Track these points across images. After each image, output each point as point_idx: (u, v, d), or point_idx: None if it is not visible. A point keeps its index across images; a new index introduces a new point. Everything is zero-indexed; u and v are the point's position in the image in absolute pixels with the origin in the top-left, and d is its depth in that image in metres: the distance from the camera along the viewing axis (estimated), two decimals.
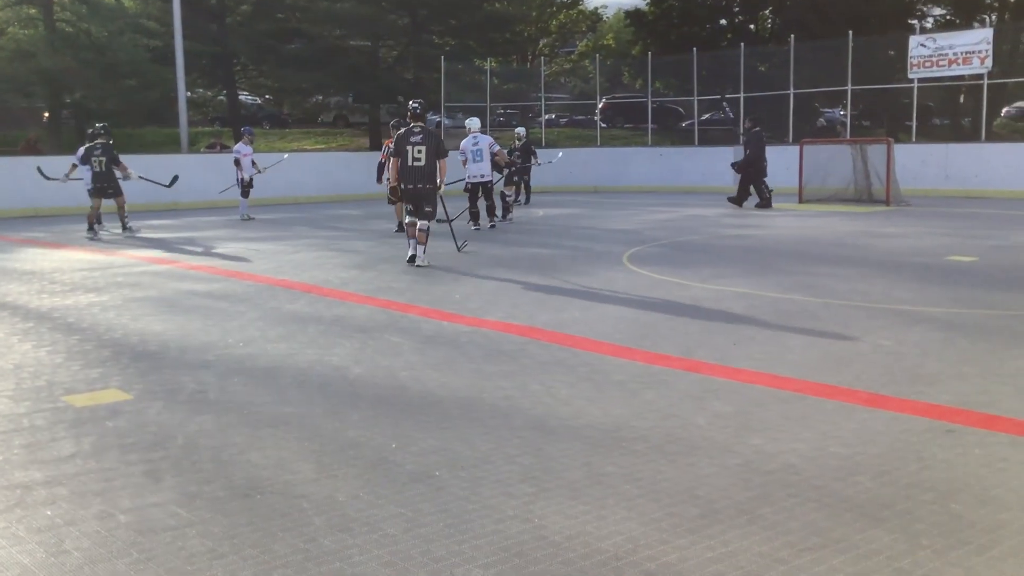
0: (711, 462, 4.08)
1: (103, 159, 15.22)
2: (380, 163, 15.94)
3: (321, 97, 36.09)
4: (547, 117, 32.13)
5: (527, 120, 35.31)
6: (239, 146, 18.59)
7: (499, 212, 16.30)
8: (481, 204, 15.86)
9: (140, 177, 16.18)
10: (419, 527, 3.43)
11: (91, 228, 14.90)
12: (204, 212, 20.18)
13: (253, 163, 18.42)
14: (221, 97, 36.18)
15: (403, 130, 11.17)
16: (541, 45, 42.70)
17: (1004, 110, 32.35)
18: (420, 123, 11.26)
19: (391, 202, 14.86)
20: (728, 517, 3.47)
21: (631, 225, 16.29)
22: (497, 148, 15.93)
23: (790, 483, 3.81)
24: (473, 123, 15.78)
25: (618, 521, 3.45)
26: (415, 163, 10.97)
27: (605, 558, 3.14)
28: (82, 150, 16.03)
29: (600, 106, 31.84)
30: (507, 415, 4.87)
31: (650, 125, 29.87)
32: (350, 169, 25.08)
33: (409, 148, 10.95)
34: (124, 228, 15.60)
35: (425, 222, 11.10)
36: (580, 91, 38.61)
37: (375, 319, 7.69)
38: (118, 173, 15.43)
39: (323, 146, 34.26)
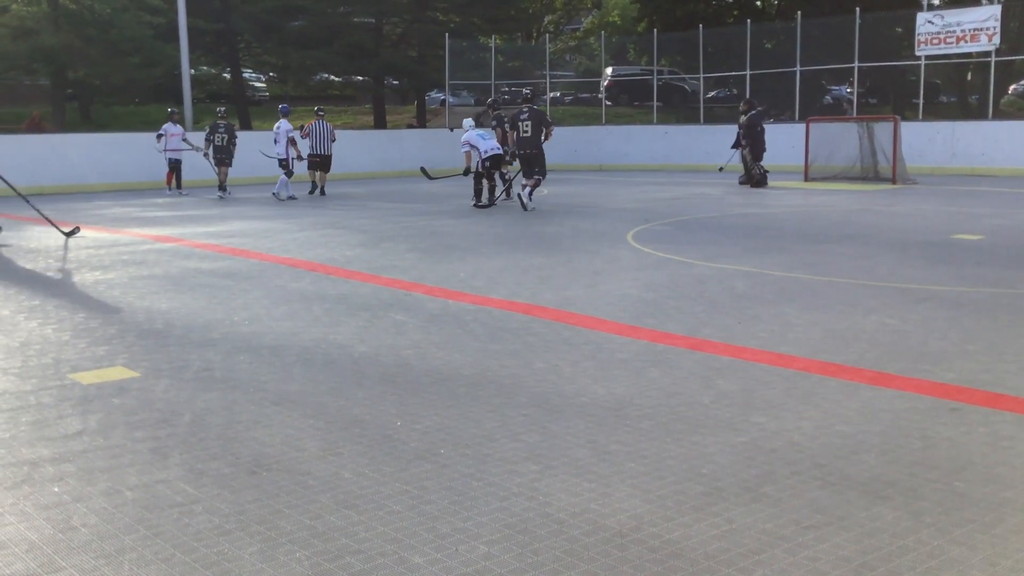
0: (716, 440, 4.09)
1: (225, 136, 19.21)
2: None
3: (325, 75, 35.97)
4: (552, 95, 31.99)
5: (533, 98, 35.23)
6: (284, 124, 18.62)
7: (498, 192, 16.35)
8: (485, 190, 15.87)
9: (262, 152, 19.93)
10: (424, 504, 3.44)
11: (223, 188, 19.26)
12: (210, 190, 20.16)
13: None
14: (225, 75, 36.09)
15: (515, 110, 14.98)
16: (546, 22, 42.47)
17: (1012, 87, 32.20)
18: (528, 104, 15.30)
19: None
20: (732, 495, 3.48)
21: (636, 203, 16.26)
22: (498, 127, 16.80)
23: (794, 461, 3.82)
24: (468, 123, 16.63)
25: (623, 499, 3.46)
26: (524, 134, 14.92)
27: (610, 535, 3.15)
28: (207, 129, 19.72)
29: (605, 84, 31.70)
30: (512, 393, 4.88)
31: (655, 103, 29.75)
32: (355, 147, 25.01)
33: (520, 123, 14.96)
34: (222, 189, 19.28)
35: (537, 177, 15.01)
36: (585, 68, 38.45)
37: (380, 297, 7.69)
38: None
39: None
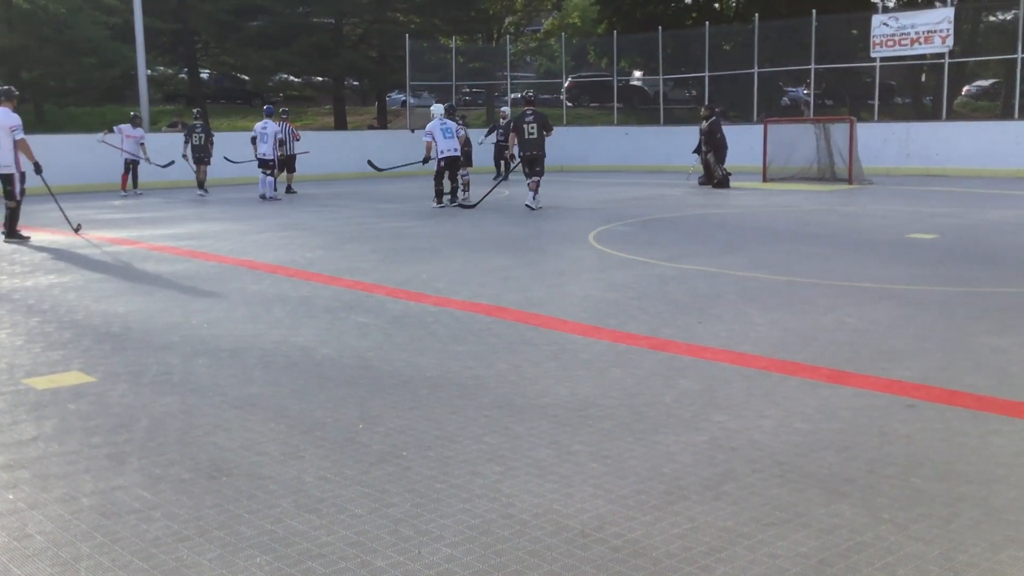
0: (677, 439, 4.12)
1: (202, 135, 19.61)
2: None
3: (285, 75, 35.69)
4: (513, 96, 32.01)
5: (493, 99, 35.21)
6: (271, 124, 18.45)
7: (460, 193, 16.37)
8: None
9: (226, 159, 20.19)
10: (386, 507, 3.43)
11: (202, 187, 19.62)
12: (166, 192, 19.93)
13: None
14: (182, 75, 35.69)
15: (520, 112, 15.15)
16: (507, 23, 42.46)
17: (965, 89, 32.74)
18: (531, 106, 15.50)
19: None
20: (694, 493, 3.50)
21: (597, 204, 16.32)
22: (463, 132, 16.77)
23: (754, 459, 3.85)
24: (437, 108, 16.38)
25: (585, 499, 3.47)
26: (530, 136, 15.18)
27: (572, 535, 3.16)
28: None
29: (566, 85, 31.77)
30: (474, 394, 4.87)
31: (616, 104, 29.88)
32: (315, 148, 24.83)
33: (525, 125, 15.19)
34: (202, 188, 19.62)
35: (536, 177, 15.18)
36: (546, 70, 38.52)
37: (342, 299, 7.65)
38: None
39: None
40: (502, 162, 22.98)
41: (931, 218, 12.93)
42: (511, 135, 15.84)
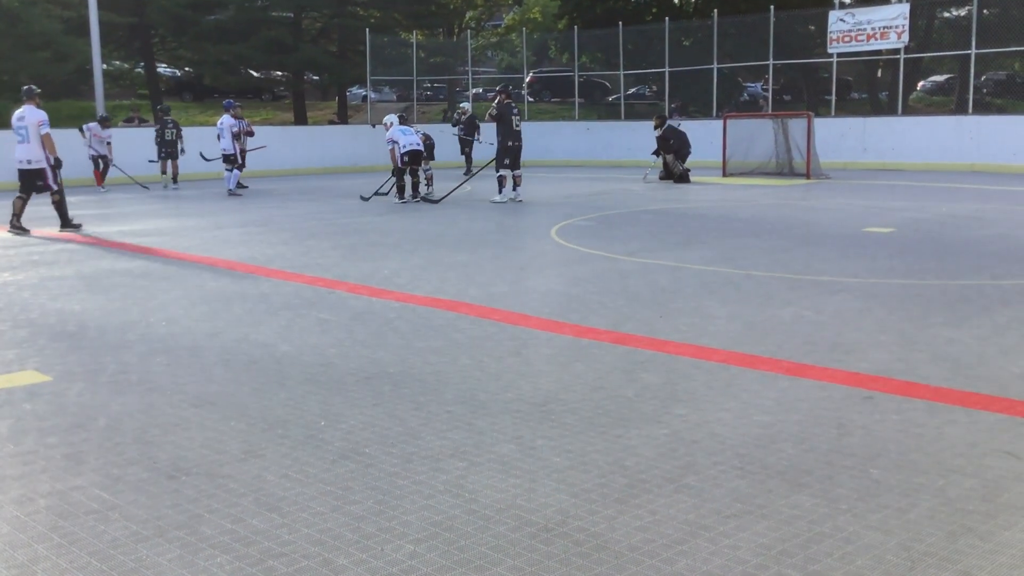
0: (639, 433, 4.14)
1: (173, 131, 20.38)
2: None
3: (244, 69, 35.33)
4: (474, 91, 31.96)
5: (454, 94, 35.14)
6: (227, 119, 18.36)
7: (421, 188, 16.36)
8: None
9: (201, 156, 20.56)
10: (349, 504, 3.41)
11: (175, 180, 20.53)
12: (123, 188, 19.67)
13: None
14: (139, 69, 35.21)
15: (505, 104, 15.45)
16: (467, 18, 42.39)
17: (920, 84, 33.20)
18: (510, 99, 15.80)
19: None
20: (655, 486, 3.53)
21: (559, 199, 16.36)
22: (421, 135, 16.98)
23: (715, 452, 3.88)
24: (391, 118, 16.54)
25: (548, 493, 3.48)
26: (517, 128, 15.60)
27: (535, 530, 3.16)
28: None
29: (527, 80, 31.79)
30: (437, 390, 4.87)
31: (577, 99, 29.95)
32: (275, 143, 24.64)
33: (513, 117, 15.54)
34: (175, 182, 20.50)
35: (519, 171, 15.77)
36: (507, 65, 38.51)
37: (302, 296, 7.60)
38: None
39: (245, 119, 33.61)
40: (464, 157, 23.05)
41: (887, 212, 13.11)
42: (489, 118, 15.85)
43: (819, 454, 3.84)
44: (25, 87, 12.62)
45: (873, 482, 3.53)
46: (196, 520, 3.29)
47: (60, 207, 12.60)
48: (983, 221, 11.80)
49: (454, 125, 23.52)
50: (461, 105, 23.75)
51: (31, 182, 12.40)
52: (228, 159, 18.27)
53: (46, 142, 12.24)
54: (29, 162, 12.28)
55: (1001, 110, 26.74)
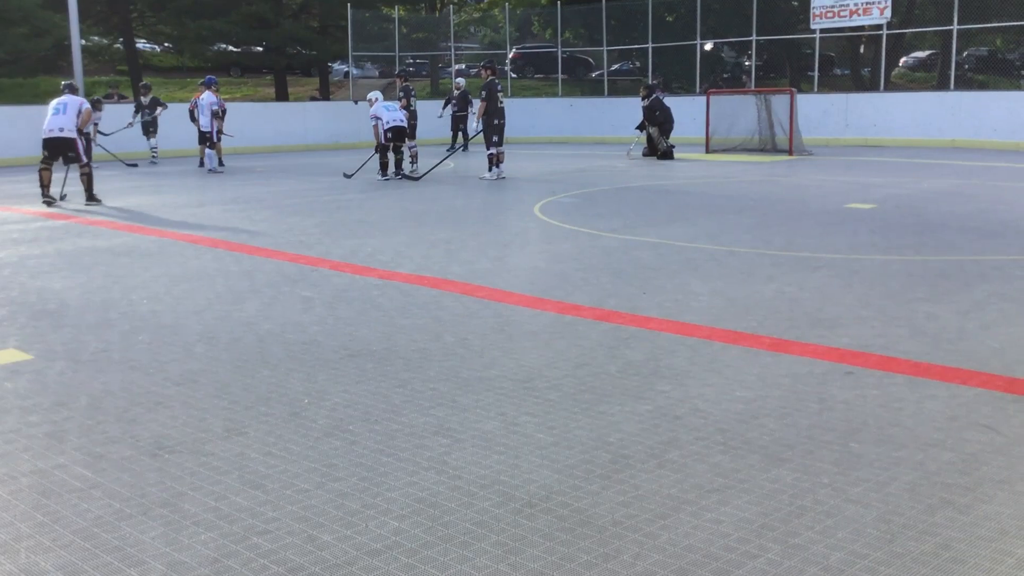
0: (622, 409, 4.16)
1: (155, 107, 20.54)
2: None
3: (223, 45, 34.95)
4: (457, 67, 31.78)
5: (437, 70, 34.94)
6: (208, 96, 18.18)
7: (405, 165, 16.29)
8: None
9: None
10: (333, 481, 3.41)
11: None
12: (105, 165, 19.48)
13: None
14: (118, 45, 34.80)
15: (489, 80, 15.46)
16: None
17: (902, 60, 33.20)
18: (495, 75, 15.72)
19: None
20: (638, 462, 3.55)
21: (542, 176, 16.33)
22: (414, 106, 17.35)
23: (697, 427, 3.91)
24: (375, 94, 16.41)
25: (532, 469, 3.49)
26: (501, 105, 15.51)
27: (519, 505, 3.18)
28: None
29: (510, 56, 31.62)
30: (420, 367, 4.87)
31: (560, 75, 29.84)
32: (256, 120, 24.47)
33: (498, 94, 15.46)
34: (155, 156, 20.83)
35: (503, 147, 15.77)
36: (490, 40, 38.28)
37: (285, 273, 7.57)
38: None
39: (227, 96, 33.36)
40: (459, 133, 22.95)
41: (869, 188, 13.16)
42: (481, 104, 15.66)
43: (800, 429, 3.87)
44: (66, 83, 13.60)
45: (853, 456, 3.57)
46: (179, 498, 3.29)
47: (88, 180, 12.87)
48: (964, 197, 11.86)
49: (447, 103, 23.38)
50: (456, 80, 23.65)
51: (61, 151, 12.72)
52: (206, 137, 18.11)
53: (85, 116, 12.84)
54: (61, 130, 12.57)
55: (983, 86, 26.80)
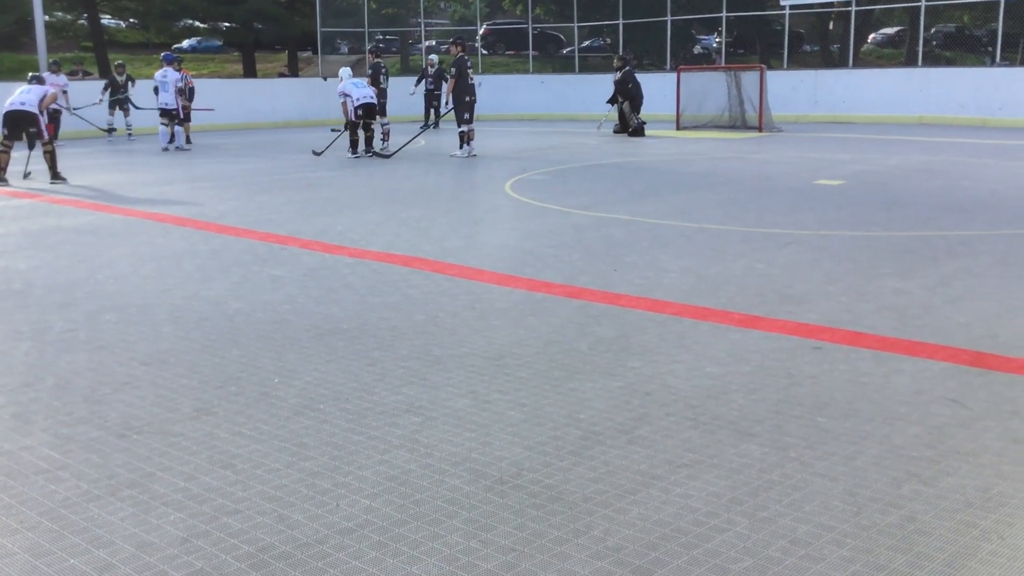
0: (593, 386, 4.17)
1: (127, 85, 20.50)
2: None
3: (189, 21, 34.48)
4: (428, 43, 31.56)
5: (407, 46, 34.67)
6: (168, 72, 17.73)
7: (376, 143, 16.18)
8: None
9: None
10: (303, 460, 3.41)
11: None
12: (72, 143, 19.21)
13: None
14: (82, 21, 34.23)
15: (459, 57, 15.24)
16: None
17: (871, 36, 33.36)
18: (465, 52, 15.65)
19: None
20: (609, 438, 3.57)
21: (513, 153, 16.29)
22: (384, 84, 17.08)
23: (667, 403, 3.93)
24: (345, 71, 16.32)
25: (503, 447, 3.50)
26: (472, 81, 15.44)
27: (490, 483, 3.19)
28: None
29: (481, 32, 31.45)
30: (391, 346, 4.86)
31: (531, 52, 29.73)
32: (223, 97, 24.19)
33: (468, 71, 15.41)
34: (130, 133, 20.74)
35: (473, 124, 15.59)
36: (461, 16, 38.02)
37: (254, 252, 7.51)
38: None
39: (194, 72, 32.97)
40: (432, 110, 22.81)
41: (837, 165, 13.24)
42: (451, 81, 15.51)
43: (769, 404, 3.90)
44: (34, 75, 13.70)
45: (821, 430, 3.60)
46: (148, 478, 3.27)
47: (52, 157, 12.75)
48: (931, 173, 11.97)
49: (421, 79, 23.21)
50: (430, 57, 23.50)
51: (22, 127, 12.61)
52: (168, 114, 17.64)
53: (49, 100, 12.94)
54: (23, 104, 12.51)
55: (950, 62, 26.99)
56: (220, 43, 34.37)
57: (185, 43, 38.97)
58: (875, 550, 2.69)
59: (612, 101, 20.07)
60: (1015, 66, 22.37)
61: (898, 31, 33.22)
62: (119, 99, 20.30)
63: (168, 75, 17.58)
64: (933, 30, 28.34)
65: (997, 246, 7.13)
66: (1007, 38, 21.97)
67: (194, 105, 19.28)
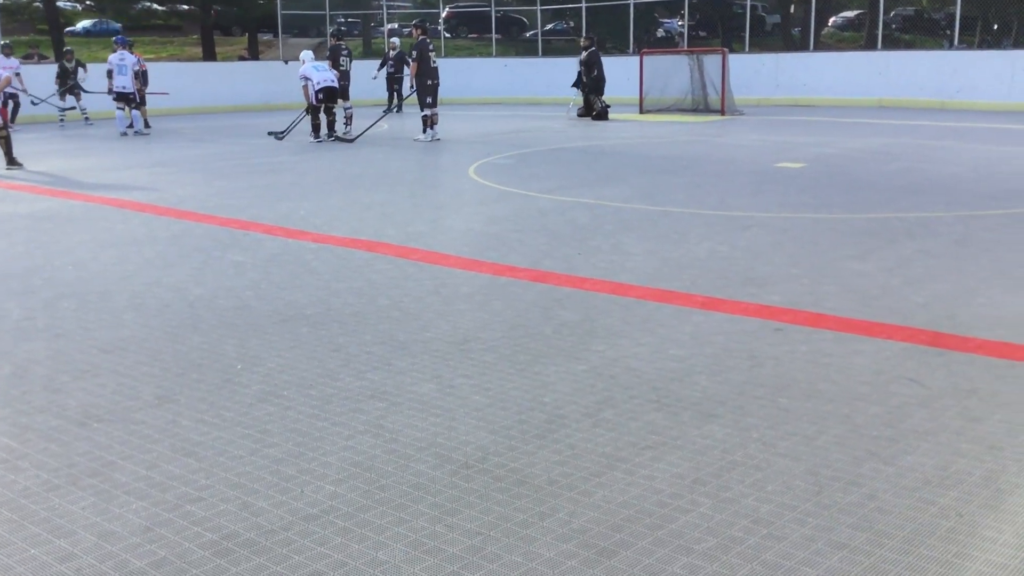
0: (557, 369, 4.19)
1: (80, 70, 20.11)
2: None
3: (147, 3, 33.91)
4: (390, 26, 31.33)
5: (369, 29, 34.41)
6: (126, 55, 17.36)
7: (338, 127, 16.05)
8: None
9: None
10: (267, 447, 3.38)
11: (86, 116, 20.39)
12: (28, 128, 18.88)
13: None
14: (37, 3, 33.55)
15: (420, 40, 15.11)
16: None
17: (831, 20, 33.60)
18: (426, 35, 15.40)
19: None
20: (573, 421, 3.58)
21: (477, 137, 16.24)
22: (345, 67, 16.83)
23: (631, 386, 3.95)
24: (307, 54, 16.09)
25: (468, 431, 3.50)
26: (434, 65, 15.22)
27: (456, 467, 3.19)
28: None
29: (443, 15, 31.27)
30: (356, 331, 4.84)
31: (494, 35, 29.62)
32: (183, 81, 23.87)
33: (430, 54, 15.16)
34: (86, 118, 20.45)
35: (437, 108, 15.47)
36: None
37: (216, 238, 7.43)
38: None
39: (152, 56, 32.45)
40: (394, 94, 22.65)
41: (798, 147, 13.34)
42: (413, 65, 15.36)
43: (732, 386, 3.93)
44: (4, 44, 13.69)
45: (783, 411, 3.64)
46: (109, 467, 3.24)
47: (7, 143, 12.51)
48: (890, 156, 12.10)
49: (383, 64, 23.04)
50: (392, 40, 23.32)
51: None
52: (124, 98, 17.28)
53: (3, 83, 13.02)
54: None
55: (909, 45, 27.28)
56: (119, 25, 33.66)
57: (79, 26, 38.10)
58: (836, 528, 2.73)
59: (578, 84, 20.06)
60: (973, 49, 22.66)
61: (858, 14, 33.50)
62: (70, 86, 19.97)
63: (126, 58, 17.26)
64: (892, 13, 28.62)
65: (955, 228, 7.23)
66: (965, 21, 22.24)
67: (148, 89, 18.95)
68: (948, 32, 23.62)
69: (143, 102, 18.21)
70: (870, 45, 25.23)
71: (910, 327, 4.71)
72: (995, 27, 26.74)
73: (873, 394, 3.81)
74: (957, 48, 22.13)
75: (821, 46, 27.75)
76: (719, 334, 4.66)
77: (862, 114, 19.38)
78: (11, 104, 18.77)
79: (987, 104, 19.60)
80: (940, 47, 25.18)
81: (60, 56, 21.00)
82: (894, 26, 29.26)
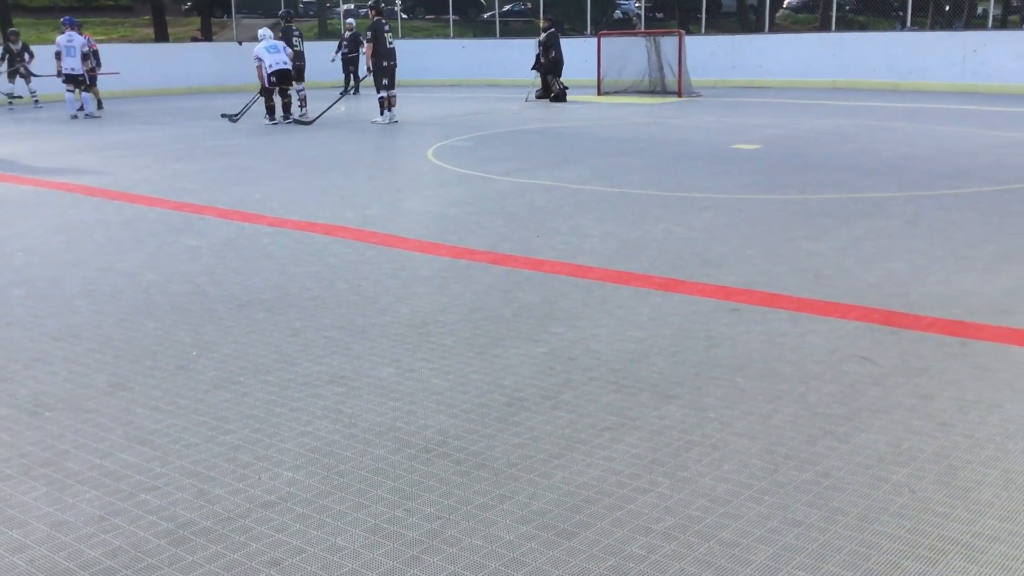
0: (517, 352, 4.19)
1: (26, 53, 19.67)
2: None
3: None
4: (346, 7, 31.00)
5: (324, 10, 34.02)
6: (78, 37, 16.94)
7: (294, 109, 15.89)
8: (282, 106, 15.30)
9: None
10: (223, 435, 3.35)
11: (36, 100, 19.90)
12: None
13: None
14: None
15: (375, 21, 14.93)
16: None
17: (786, 2, 33.83)
18: (382, 16, 15.24)
19: None
20: (533, 404, 3.59)
21: (435, 119, 16.16)
22: (300, 47, 17.01)
23: (590, 368, 3.97)
24: (264, 32, 15.88)
25: (427, 415, 3.50)
26: (390, 46, 15.06)
27: (415, 451, 3.18)
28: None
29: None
30: (314, 316, 4.80)
31: (451, 16, 29.44)
32: (134, 62, 23.45)
33: (385, 35, 15.02)
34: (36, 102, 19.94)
35: (394, 91, 15.25)
36: None
37: (169, 222, 7.33)
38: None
39: (103, 37, 31.82)
40: (350, 75, 22.44)
41: (754, 129, 13.44)
42: (368, 45, 15.16)
43: (689, 366, 3.96)
44: None
45: (739, 390, 3.68)
46: (62, 456, 3.19)
47: None
48: (843, 137, 12.23)
49: (340, 47, 22.80)
50: (347, 21, 23.10)
51: None
52: (74, 80, 16.94)
53: None
54: None
55: (862, 27, 27.53)
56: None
57: None
58: (791, 506, 2.76)
59: (536, 66, 20.03)
60: (924, 31, 22.93)
61: None
62: (16, 69, 19.53)
63: (74, 39, 16.90)
64: None
65: (907, 207, 7.33)
66: (917, 3, 22.48)
67: (100, 70, 18.61)
68: (901, 14, 23.89)
69: (94, 83, 17.87)
70: (824, 27, 25.43)
71: (863, 306, 4.77)
72: (947, 8, 27.09)
73: (827, 373, 3.86)
74: (909, 29, 22.39)
75: (776, 28, 27.92)
76: (676, 315, 4.69)
77: (816, 95, 19.57)
78: None
79: (939, 85, 19.88)
80: (893, 29, 25.43)
81: (6, 38, 20.41)
82: (848, 8, 29.50)
